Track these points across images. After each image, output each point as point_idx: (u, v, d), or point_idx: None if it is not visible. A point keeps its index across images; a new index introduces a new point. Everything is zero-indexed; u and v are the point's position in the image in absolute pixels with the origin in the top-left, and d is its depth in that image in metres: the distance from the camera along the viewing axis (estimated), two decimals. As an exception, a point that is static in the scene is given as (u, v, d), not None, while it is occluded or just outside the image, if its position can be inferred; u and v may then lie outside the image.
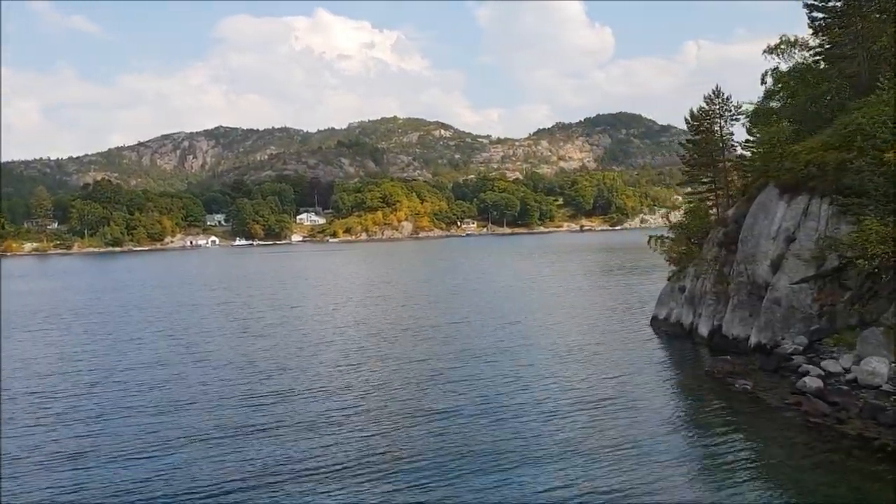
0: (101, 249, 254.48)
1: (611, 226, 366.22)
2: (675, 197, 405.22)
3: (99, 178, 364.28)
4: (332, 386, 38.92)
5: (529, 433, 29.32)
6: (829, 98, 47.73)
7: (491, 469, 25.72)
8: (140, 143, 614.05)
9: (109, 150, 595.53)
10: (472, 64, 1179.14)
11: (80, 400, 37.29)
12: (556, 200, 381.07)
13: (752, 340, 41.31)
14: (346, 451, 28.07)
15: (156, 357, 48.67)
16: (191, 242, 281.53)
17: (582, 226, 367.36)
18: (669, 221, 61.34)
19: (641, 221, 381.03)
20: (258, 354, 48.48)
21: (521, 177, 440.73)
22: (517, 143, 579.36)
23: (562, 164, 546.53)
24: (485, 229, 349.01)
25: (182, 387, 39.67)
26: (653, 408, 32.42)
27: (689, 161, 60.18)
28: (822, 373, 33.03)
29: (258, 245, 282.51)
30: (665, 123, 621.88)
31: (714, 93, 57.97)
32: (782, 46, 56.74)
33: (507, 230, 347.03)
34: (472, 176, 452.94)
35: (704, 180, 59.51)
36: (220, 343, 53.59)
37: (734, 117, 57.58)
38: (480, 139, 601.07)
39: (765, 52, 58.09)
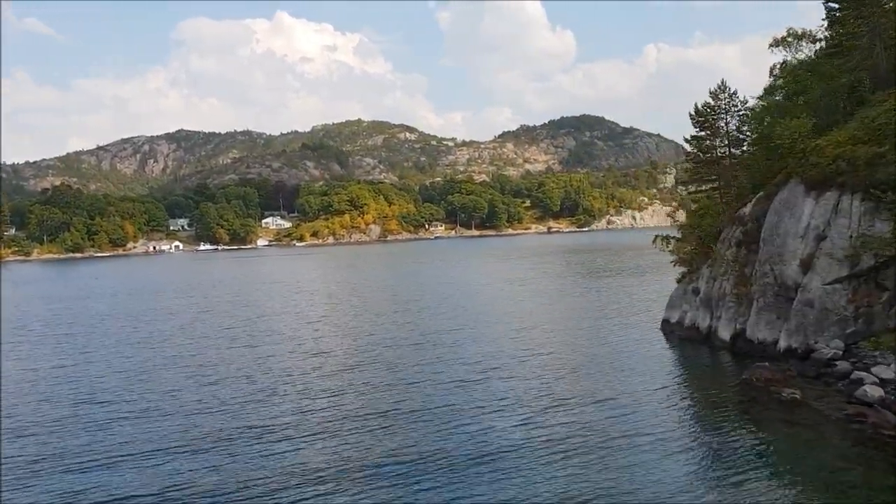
0: (62, 256, 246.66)
1: (578, 227, 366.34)
2: (641, 198, 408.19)
3: (57, 182, 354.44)
4: (354, 403, 36.00)
5: (560, 458, 26.59)
6: (847, 91, 45.77)
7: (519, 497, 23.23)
8: (99, 147, 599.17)
9: (68, 154, 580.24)
10: (435, 67, 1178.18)
11: (62, 423, 33.82)
12: (523, 202, 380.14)
13: (782, 344, 39.19)
14: (360, 460, 25.32)
15: (141, 370, 45.16)
16: (154, 248, 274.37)
17: (549, 227, 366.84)
18: (675, 221, 59.06)
19: (608, 223, 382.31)
20: (243, 364, 45.29)
21: (487, 179, 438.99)
22: (483, 146, 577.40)
23: (527, 166, 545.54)
24: (453, 232, 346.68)
25: (172, 400, 36.44)
26: (701, 424, 29.95)
27: (694, 158, 57.93)
28: (876, 380, 30.88)
29: (223, 250, 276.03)
30: (628, 126, 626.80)
31: (719, 88, 56.09)
32: (789, 39, 54.96)
33: (476, 232, 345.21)
34: (439, 179, 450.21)
35: (708, 178, 57.44)
36: (207, 354, 50.14)
37: (740, 113, 55.75)
38: (446, 142, 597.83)
39: (771, 45, 56.36)
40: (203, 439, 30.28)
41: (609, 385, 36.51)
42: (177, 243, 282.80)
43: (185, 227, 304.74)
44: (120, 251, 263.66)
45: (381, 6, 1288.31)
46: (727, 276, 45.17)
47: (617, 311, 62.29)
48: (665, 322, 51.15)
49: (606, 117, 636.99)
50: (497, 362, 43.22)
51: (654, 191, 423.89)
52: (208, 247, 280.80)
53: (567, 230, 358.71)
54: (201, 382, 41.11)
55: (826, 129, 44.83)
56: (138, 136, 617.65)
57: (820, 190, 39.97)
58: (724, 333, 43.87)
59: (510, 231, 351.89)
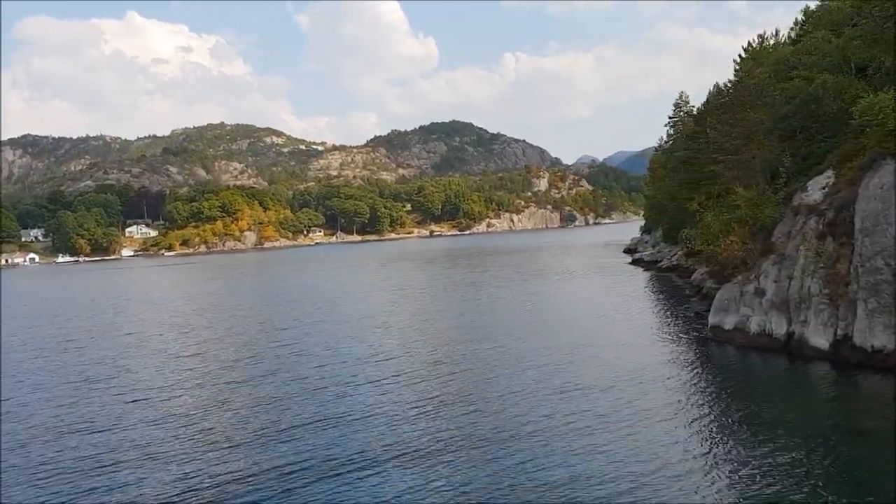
0: None
1: (460, 231, 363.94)
2: (518, 201, 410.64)
3: None
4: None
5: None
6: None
7: None
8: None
9: None
10: (297, 70, 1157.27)
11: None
12: (404, 206, 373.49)
13: (913, 352, 33.19)
14: None
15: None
16: (6, 261, 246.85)
17: (432, 231, 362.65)
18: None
19: (488, 226, 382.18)
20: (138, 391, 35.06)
21: (363, 184, 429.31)
22: (355, 151, 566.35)
23: (401, 171, 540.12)
24: (334, 237, 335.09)
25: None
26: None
27: (719, 142, 51.66)
28: None
29: (86, 261, 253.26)
30: (495, 132, 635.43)
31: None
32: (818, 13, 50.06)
33: (358, 238, 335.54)
34: (312, 183, 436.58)
35: (731, 165, 51.45)
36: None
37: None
38: (315, 146, 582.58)
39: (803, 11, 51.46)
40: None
41: (725, 429, 29.06)
42: (32, 255, 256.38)
43: (40, 237, 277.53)
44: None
45: (238, 7, 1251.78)
46: (811, 275, 38.92)
47: (639, 320, 53.63)
48: (716, 329, 44.38)
49: (475, 123, 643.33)
50: (540, 403, 34.92)
51: (530, 194, 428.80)
52: (68, 258, 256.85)
53: (449, 234, 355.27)
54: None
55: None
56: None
57: (939, 170, 34.40)
58: (819, 341, 37.48)
59: (393, 235, 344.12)
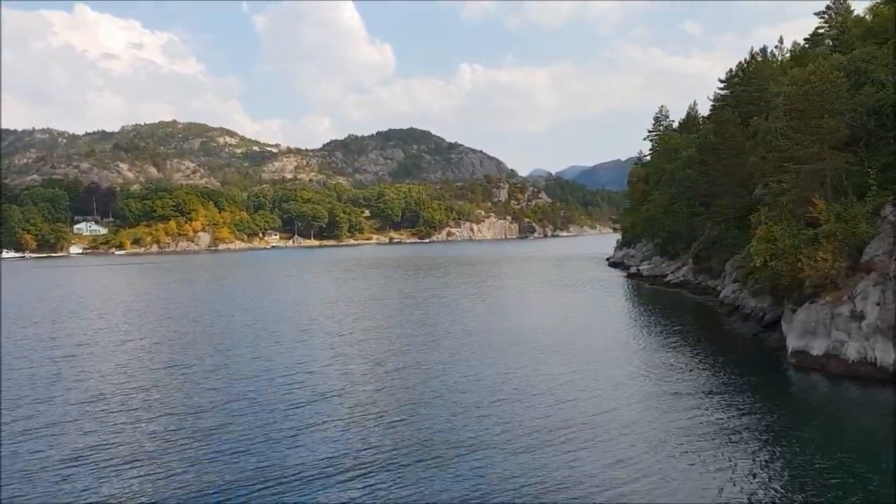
0: None
1: (419, 238, 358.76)
2: (478, 211, 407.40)
3: None
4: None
5: None
6: None
7: None
8: None
9: None
10: (251, 72, 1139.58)
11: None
12: (362, 212, 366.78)
13: None
14: None
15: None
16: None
17: (391, 238, 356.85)
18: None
19: (448, 234, 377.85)
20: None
21: (320, 188, 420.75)
22: (311, 154, 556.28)
23: (357, 176, 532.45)
24: (291, 241, 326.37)
25: None
26: None
27: (791, 151, 47.23)
28: None
29: (32, 257, 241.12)
30: (453, 141, 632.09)
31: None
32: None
33: (315, 242, 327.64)
34: (266, 185, 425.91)
35: (804, 175, 46.94)
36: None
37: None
38: (269, 148, 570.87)
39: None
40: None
41: None
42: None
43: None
44: None
45: (193, 6, 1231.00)
46: (929, 297, 34.91)
47: (691, 343, 48.37)
48: (801, 354, 40.00)
49: (433, 132, 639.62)
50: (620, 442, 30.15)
51: (490, 204, 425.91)
52: (13, 254, 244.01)
53: (409, 241, 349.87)
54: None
55: None
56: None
57: None
58: (944, 373, 33.46)
59: (352, 241, 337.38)
